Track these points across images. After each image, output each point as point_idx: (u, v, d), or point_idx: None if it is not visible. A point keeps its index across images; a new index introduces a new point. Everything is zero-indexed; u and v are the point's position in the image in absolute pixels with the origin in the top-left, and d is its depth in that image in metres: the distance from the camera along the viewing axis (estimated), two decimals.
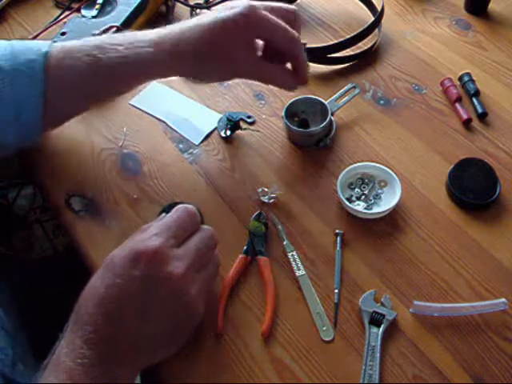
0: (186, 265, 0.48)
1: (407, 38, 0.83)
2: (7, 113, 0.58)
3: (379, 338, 0.53)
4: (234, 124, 0.70)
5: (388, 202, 0.63)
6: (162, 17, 0.87)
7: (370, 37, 0.80)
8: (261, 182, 0.66)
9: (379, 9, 0.80)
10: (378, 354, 0.52)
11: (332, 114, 0.70)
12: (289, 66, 0.65)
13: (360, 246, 0.61)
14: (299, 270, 0.58)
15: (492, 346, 0.53)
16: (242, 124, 0.71)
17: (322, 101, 0.70)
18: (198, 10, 0.88)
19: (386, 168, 0.65)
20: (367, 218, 0.62)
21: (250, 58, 0.62)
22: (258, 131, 0.72)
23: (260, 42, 0.63)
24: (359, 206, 0.63)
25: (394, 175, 0.64)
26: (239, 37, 0.60)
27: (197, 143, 0.71)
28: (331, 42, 0.78)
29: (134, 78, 0.64)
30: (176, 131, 0.72)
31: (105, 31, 0.75)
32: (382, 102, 0.75)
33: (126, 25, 0.79)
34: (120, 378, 0.46)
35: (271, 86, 0.72)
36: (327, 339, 0.54)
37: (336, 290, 0.57)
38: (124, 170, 0.68)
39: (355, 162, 0.66)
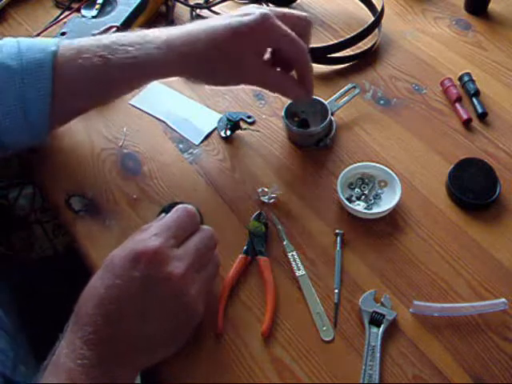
0: (186, 265, 0.48)
1: (407, 37, 0.83)
2: (16, 112, 0.58)
3: (379, 338, 0.53)
4: (233, 124, 0.70)
5: (388, 201, 0.63)
6: (162, 17, 0.87)
7: (370, 37, 0.80)
8: (261, 182, 0.66)
9: (379, 9, 0.80)
10: (378, 354, 0.52)
11: (332, 114, 0.70)
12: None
13: (360, 246, 0.61)
14: (299, 270, 0.58)
15: (492, 345, 0.53)
16: (242, 124, 0.71)
17: (322, 101, 0.70)
18: (198, 10, 0.88)
19: (386, 168, 0.65)
20: (367, 217, 0.62)
21: (259, 66, 0.62)
22: (258, 131, 0.72)
23: (268, 48, 0.63)
24: (359, 206, 0.63)
25: (394, 175, 0.64)
26: (251, 44, 0.60)
27: (197, 143, 0.71)
28: (331, 42, 0.78)
29: (142, 79, 0.64)
30: (176, 131, 0.72)
31: (105, 31, 0.75)
32: (382, 102, 0.75)
33: (126, 25, 0.79)
34: (120, 378, 0.46)
35: None
36: (327, 339, 0.54)
37: (336, 290, 0.57)
38: (124, 170, 0.68)
39: (355, 162, 0.66)
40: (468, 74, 0.75)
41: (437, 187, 0.65)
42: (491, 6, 0.86)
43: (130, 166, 0.69)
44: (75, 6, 0.85)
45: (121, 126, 0.73)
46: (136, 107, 0.75)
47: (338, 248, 0.60)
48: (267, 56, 0.64)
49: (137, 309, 0.46)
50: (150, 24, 0.78)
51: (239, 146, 0.70)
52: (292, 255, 0.60)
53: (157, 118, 0.74)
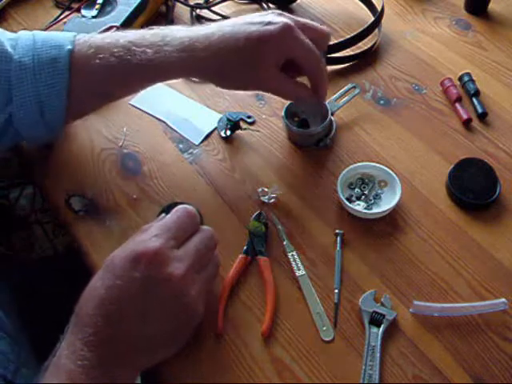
0: (186, 266, 0.48)
1: (407, 38, 0.83)
2: (30, 105, 0.59)
3: (379, 338, 0.53)
4: (233, 124, 0.70)
5: (388, 201, 0.63)
6: (162, 17, 0.88)
7: (370, 37, 0.80)
8: (261, 182, 0.66)
9: (379, 9, 0.80)
10: (378, 354, 0.52)
11: (332, 114, 0.70)
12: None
13: (360, 246, 0.61)
14: (299, 269, 0.58)
15: (492, 345, 0.53)
16: (242, 124, 0.71)
17: None
18: (198, 10, 0.88)
19: (386, 168, 0.65)
20: (367, 217, 0.62)
21: (276, 75, 0.62)
22: (257, 131, 0.72)
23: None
24: (359, 206, 0.63)
25: (394, 175, 0.64)
26: (271, 53, 0.60)
27: (197, 143, 0.71)
28: (331, 42, 0.78)
29: (157, 80, 0.64)
30: (176, 131, 0.72)
31: (105, 31, 0.75)
32: (382, 102, 0.75)
33: (126, 25, 0.79)
34: (120, 379, 0.46)
35: None
36: (327, 339, 0.54)
37: (336, 290, 0.57)
38: (124, 170, 0.68)
39: (355, 162, 0.66)
40: (468, 74, 0.75)
41: (437, 187, 0.65)
42: (491, 6, 0.86)
43: (129, 166, 0.69)
44: (75, 6, 0.85)
45: (121, 125, 0.73)
46: (136, 107, 0.75)
47: (338, 248, 0.60)
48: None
49: (137, 309, 0.47)
50: (150, 24, 0.78)
51: (239, 146, 0.70)
52: (292, 255, 0.60)
53: (157, 118, 0.74)
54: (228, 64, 0.60)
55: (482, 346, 0.53)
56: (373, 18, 0.79)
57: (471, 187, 0.63)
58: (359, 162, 0.66)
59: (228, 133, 0.71)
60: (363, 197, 0.64)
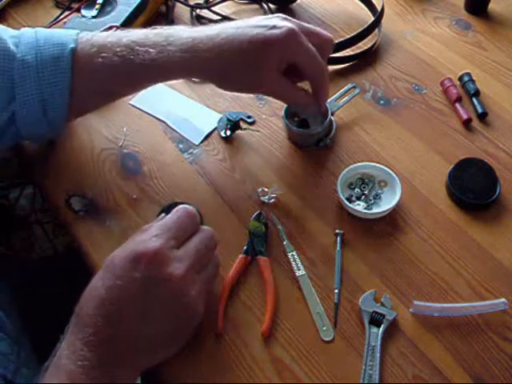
0: (186, 266, 0.48)
1: (407, 38, 0.83)
2: (33, 104, 0.59)
3: (379, 338, 0.53)
4: (233, 124, 0.70)
5: (388, 201, 0.63)
6: (162, 17, 0.87)
7: (370, 37, 0.80)
8: (261, 182, 0.66)
9: (379, 9, 0.80)
10: (378, 354, 0.52)
11: (332, 114, 0.70)
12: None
13: (360, 246, 0.61)
14: (299, 269, 0.58)
15: (492, 345, 0.53)
16: (242, 124, 0.71)
17: None
18: (198, 10, 0.88)
19: (386, 168, 0.65)
20: (367, 217, 0.62)
21: (278, 79, 0.62)
22: (257, 131, 0.72)
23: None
24: (359, 206, 0.63)
25: (394, 175, 0.64)
26: (275, 57, 0.60)
27: (197, 143, 0.71)
28: None
29: (159, 80, 0.64)
30: (176, 131, 0.72)
31: (105, 31, 0.75)
32: (382, 102, 0.75)
33: (126, 25, 0.79)
34: (120, 379, 0.46)
35: None
36: (327, 339, 0.54)
37: (336, 290, 0.57)
38: (124, 170, 0.68)
39: (355, 162, 0.66)
40: (468, 74, 0.75)
41: (437, 187, 0.65)
42: (491, 6, 0.86)
43: (129, 166, 0.69)
44: (75, 6, 0.85)
45: (121, 125, 0.73)
46: (136, 107, 0.75)
47: (338, 248, 0.60)
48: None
49: (137, 309, 0.47)
50: (150, 24, 0.78)
51: (239, 146, 0.70)
52: (292, 255, 0.60)
53: (157, 118, 0.74)
54: (231, 66, 0.60)
55: (482, 346, 0.53)
56: (373, 18, 0.79)
57: (471, 187, 0.63)
58: (359, 162, 0.66)
59: (228, 133, 0.71)
60: (363, 197, 0.64)
